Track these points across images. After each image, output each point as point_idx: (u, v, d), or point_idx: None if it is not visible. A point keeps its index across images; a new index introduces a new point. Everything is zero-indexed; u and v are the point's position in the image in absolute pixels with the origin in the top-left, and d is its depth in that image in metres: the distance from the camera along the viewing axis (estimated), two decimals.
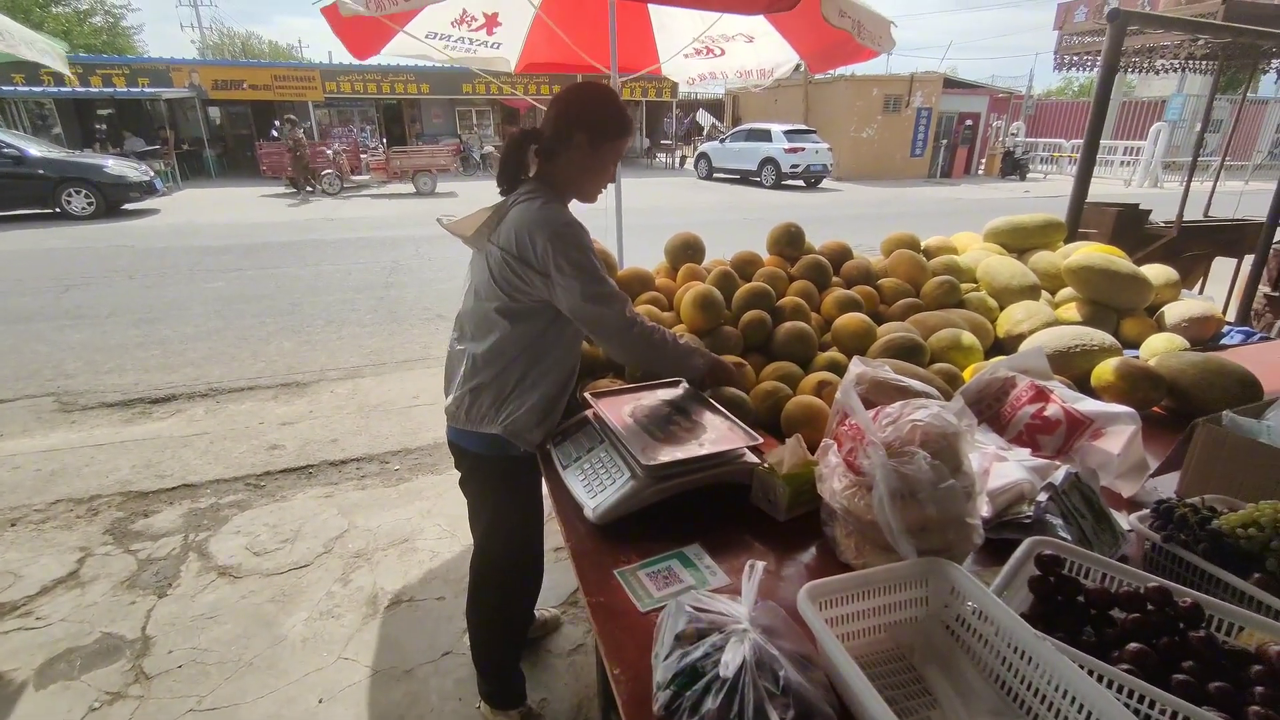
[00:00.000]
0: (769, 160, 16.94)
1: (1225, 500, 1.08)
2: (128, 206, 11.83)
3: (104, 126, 18.16)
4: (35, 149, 11.12)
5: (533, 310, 1.43)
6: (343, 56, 22.06)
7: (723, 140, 18.73)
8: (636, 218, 9.66)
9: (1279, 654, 0.78)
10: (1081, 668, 0.76)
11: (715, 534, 1.25)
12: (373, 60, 3.32)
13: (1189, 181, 4.34)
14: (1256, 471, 1.11)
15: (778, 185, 16.86)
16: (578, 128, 1.41)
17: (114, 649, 2.14)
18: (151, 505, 2.97)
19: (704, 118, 20.38)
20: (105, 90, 16.89)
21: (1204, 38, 3.72)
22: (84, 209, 11.02)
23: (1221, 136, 17.55)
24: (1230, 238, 4.29)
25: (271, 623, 2.27)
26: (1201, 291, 4.25)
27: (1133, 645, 0.82)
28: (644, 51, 3.85)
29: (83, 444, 3.51)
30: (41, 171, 10.72)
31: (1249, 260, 3.96)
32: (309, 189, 14.25)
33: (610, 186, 3.62)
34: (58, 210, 10.88)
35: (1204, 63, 4.42)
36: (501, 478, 1.60)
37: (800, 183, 17.37)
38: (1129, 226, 3.90)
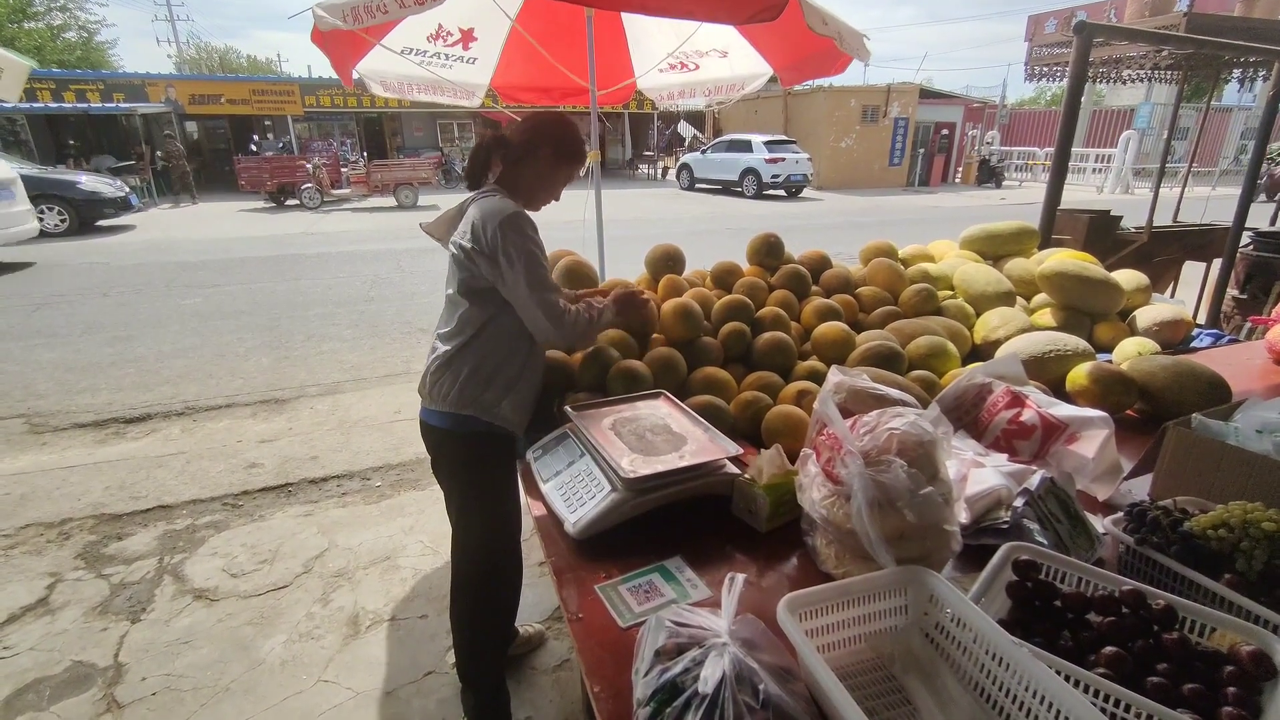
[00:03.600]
0: (750, 171, 17.10)
1: (1196, 502, 1.10)
2: (102, 223, 11.64)
3: (75, 142, 17.93)
4: (7, 164, 10.90)
5: (488, 290, 1.53)
6: (322, 70, 21.96)
7: (704, 151, 18.87)
8: (619, 229, 9.71)
9: (1250, 654, 0.80)
10: (1058, 673, 0.76)
11: (697, 546, 1.24)
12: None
13: (1158, 188, 4.44)
14: (1225, 473, 1.13)
15: (759, 195, 17.00)
16: (545, 142, 1.59)
17: (85, 678, 2.08)
18: (125, 528, 2.91)
19: (685, 129, 20.41)
20: (79, 105, 16.65)
21: (1168, 49, 3.83)
22: (56, 226, 10.82)
23: (1188, 144, 18.03)
24: (1199, 242, 4.39)
25: (249, 646, 2.22)
26: (1173, 295, 4.35)
27: (1108, 649, 0.83)
28: (620, 67, 3.89)
29: (54, 466, 3.43)
30: None
31: (1218, 263, 4.06)
32: (189, 199, 15.13)
33: (590, 199, 3.67)
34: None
35: (1169, 73, 4.55)
36: (467, 456, 1.61)
37: (781, 192, 17.54)
38: (1101, 232, 3.99)
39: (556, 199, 1.70)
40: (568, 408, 1.53)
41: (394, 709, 1.98)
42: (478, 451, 1.60)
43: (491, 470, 1.64)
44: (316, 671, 2.11)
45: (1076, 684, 0.77)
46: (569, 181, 1.69)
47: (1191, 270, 4.55)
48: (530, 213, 1.61)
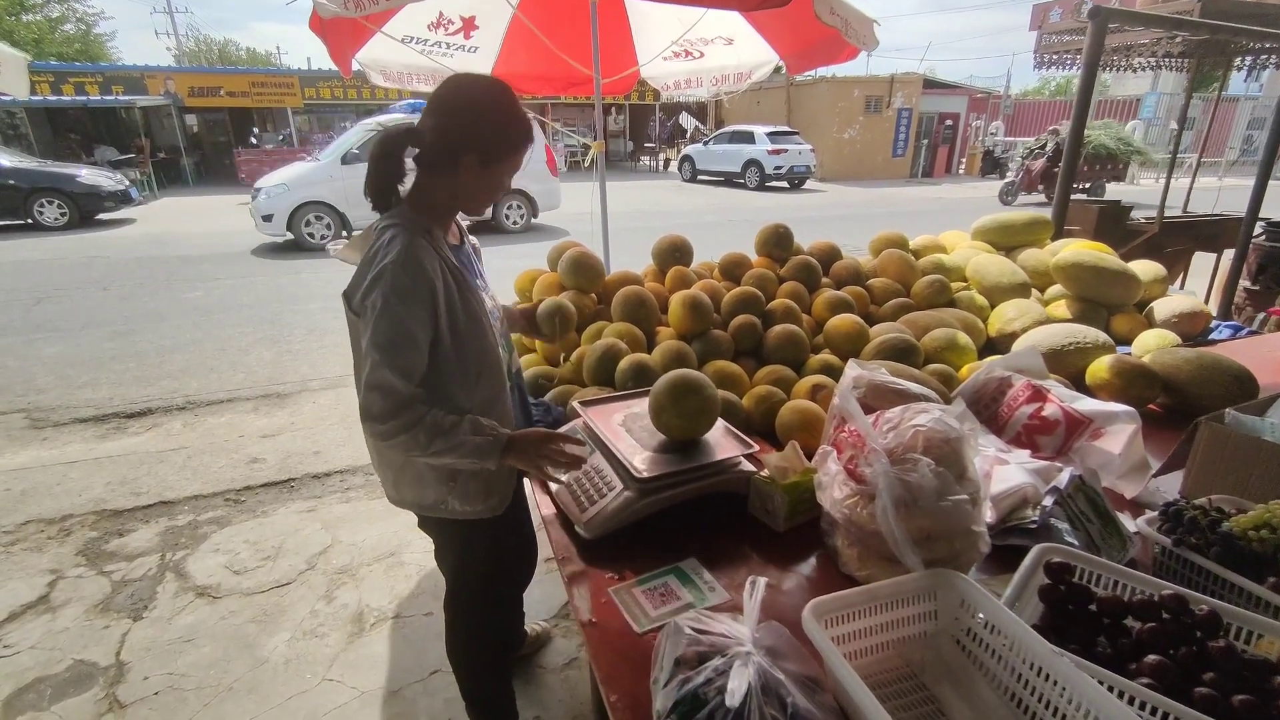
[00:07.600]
0: (752, 162, 16.99)
1: (1232, 501, 1.06)
2: (102, 216, 11.56)
3: (75, 135, 17.86)
4: (6, 158, 10.87)
5: None
6: (322, 63, 21.85)
7: (706, 143, 18.75)
8: (621, 220, 9.60)
9: None
10: (1100, 683, 0.72)
11: (712, 546, 1.20)
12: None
13: (1169, 178, 4.38)
14: (1262, 471, 1.09)
15: (761, 187, 16.91)
16: (467, 148, 1.17)
17: (86, 677, 2.06)
18: (126, 524, 2.88)
19: (687, 120, 20.39)
20: (78, 99, 16.57)
21: (1181, 35, 3.76)
22: (57, 219, 10.77)
23: (1195, 134, 17.88)
24: (1209, 232, 4.33)
25: (252, 644, 2.19)
26: (1183, 286, 4.29)
27: (1151, 657, 0.79)
28: (623, 55, 3.82)
29: (54, 462, 3.40)
30: (12, 182, 10.45)
31: (1228, 254, 4.01)
32: None
33: (595, 190, 3.61)
34: (29, 221, 10.62)
35: (1179, 60, 4.47)
36: (447, 533, 1.48)
37: (784, 184, 17.44)
38: (1111, 223, 3.93)
39: (506, 189, 1.28)
40: (575, 403, 1.49)
41: (399, 708, 1.95)
42: (450, 534, 1.47)
43: (481, 543, 1.46)
44: (320, 670, 2.08)
45: (1120, 695, 0.73)
46: (517, 169, 1.26)
47: (1201, 261, 4.49)
48: (473, 216, 1.35)
